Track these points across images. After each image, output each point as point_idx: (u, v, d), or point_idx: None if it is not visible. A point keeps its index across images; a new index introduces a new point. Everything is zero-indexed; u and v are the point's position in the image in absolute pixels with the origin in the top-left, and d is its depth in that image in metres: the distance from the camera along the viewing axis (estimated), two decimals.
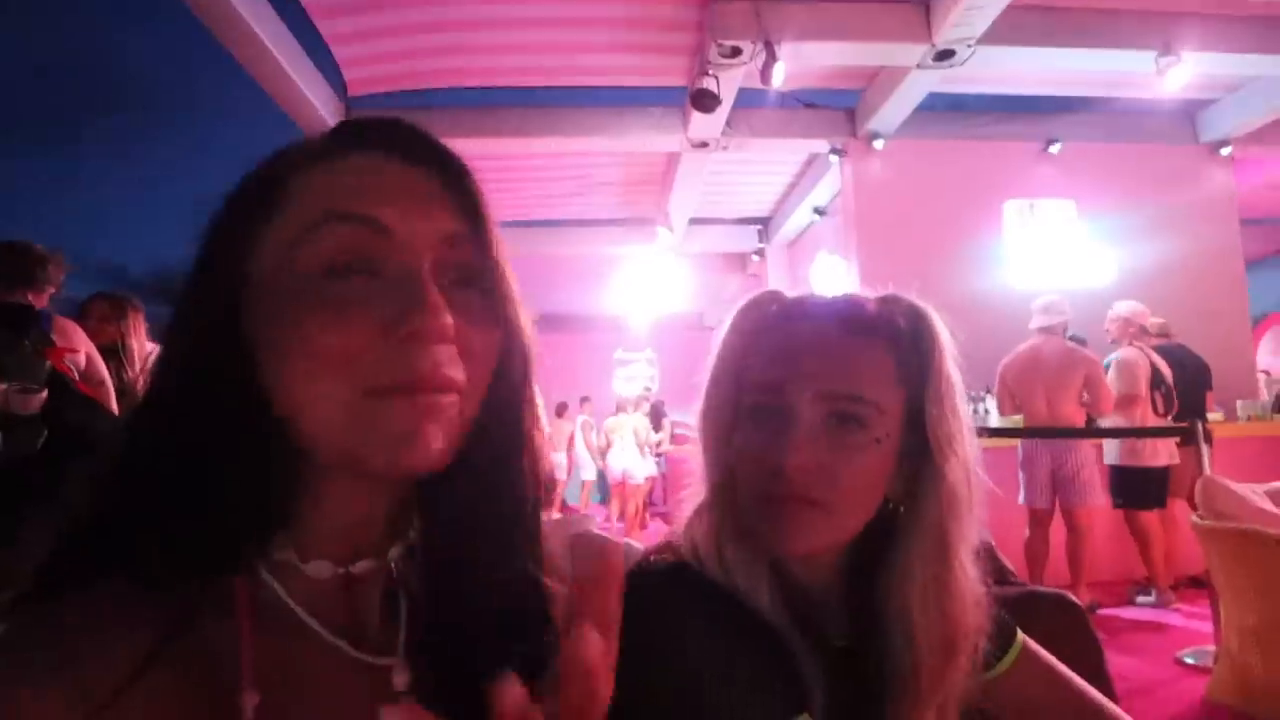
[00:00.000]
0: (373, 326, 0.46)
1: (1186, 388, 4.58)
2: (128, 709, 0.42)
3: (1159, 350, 4.62)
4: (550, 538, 0.87)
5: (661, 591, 0.72)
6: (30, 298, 2.76)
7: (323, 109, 5.49)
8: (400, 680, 0.53)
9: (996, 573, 0.80)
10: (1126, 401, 4.26)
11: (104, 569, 0.46)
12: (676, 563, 0.74)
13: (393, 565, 0.56)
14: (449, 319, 0.47)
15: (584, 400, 9.52)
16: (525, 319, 0.57)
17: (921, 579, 0.71)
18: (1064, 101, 6.50)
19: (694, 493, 0.79)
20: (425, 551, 0.56)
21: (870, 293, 0.77)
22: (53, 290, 2.84)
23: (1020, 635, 0.82)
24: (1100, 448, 4.39)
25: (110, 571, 0.46)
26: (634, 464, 7.93)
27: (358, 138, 0.53)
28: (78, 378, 2.79)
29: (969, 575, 0.73)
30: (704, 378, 0.79)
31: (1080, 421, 4.34)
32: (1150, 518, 4.28)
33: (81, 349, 2.87)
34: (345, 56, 5.36)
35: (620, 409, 8.30)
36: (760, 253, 9.58)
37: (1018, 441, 4.33)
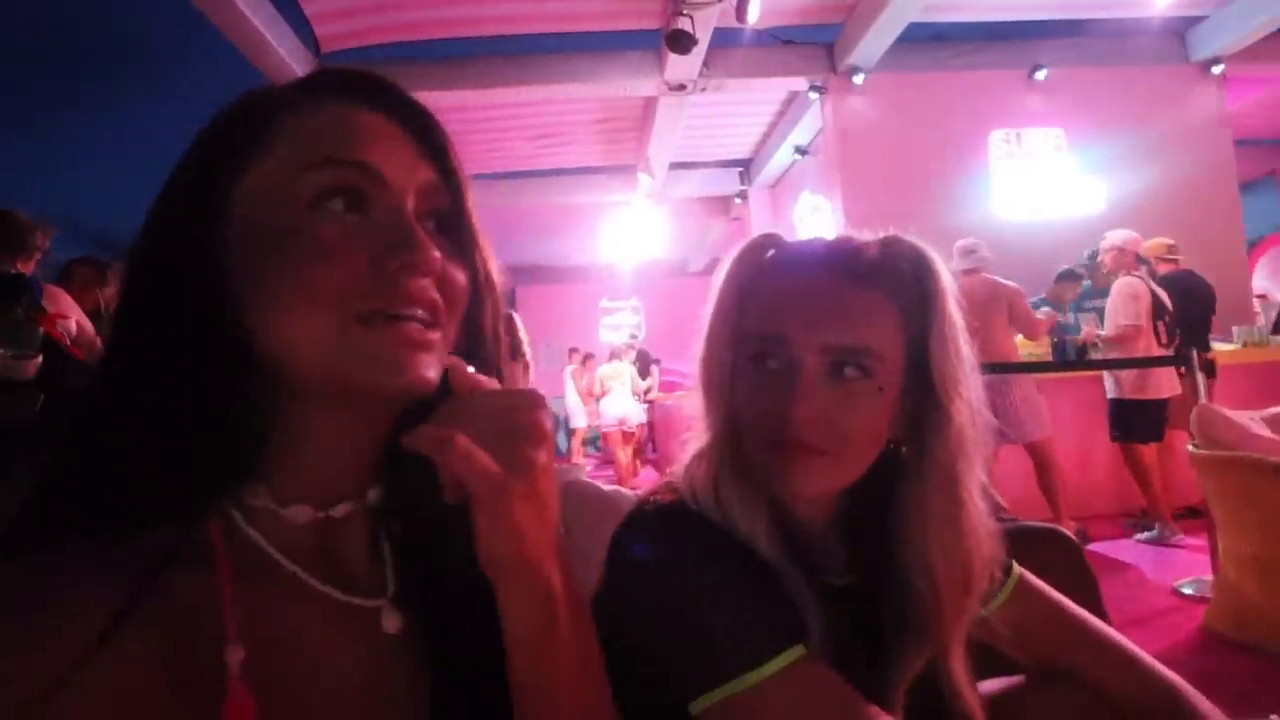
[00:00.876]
0: (362, 260, 0.48)
1: (1194, 317, 4.46)
2: (97, 671, 0.40)
3: (1168, 278, 4.51)
4: None
5: (659, 523, 0.74)
6: (19, 266, 2.82)
7: (298, 69, 5.32)
8: (390, 623, 0.54)
9: (991, 509, 0.80)
10: (1129, 333, 4.18)
11: (68, 526, 0.45)
12: (675, 500, 0.76)
13: (373, 508, 0.57)
14: (437, 253, 0.49)
15: (572, 350, 9.52)
16: (493, 263, 0.59)
17: (935, 518, 0.72)
18: (1049, 26, 6.32)
19: (694, 435, 0.79)
20: (406, 492, 0.56)
21: (869, 235, 0.76)
22: (39, 257, 2.89)
23: (1016, 568, 0.84)
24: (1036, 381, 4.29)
25: (75, 528, 0.45)
26: (631, 410, 7.99)
27: (332, 87, 0.54)
28: (70, 343, 2.86)
29: (980, 510, 0.74)
30: (702, 323, 0.79)
31: (1014, 354, 4.31)
32: (1148, 450, 4.25)
33: (72, 315, 2.96)
34: (316, 12, 5.21)
35: (614, 356, 8.31)
36: (743, 195, 9.44)
37: None
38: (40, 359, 2.69)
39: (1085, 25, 6.30)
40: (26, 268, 2.84)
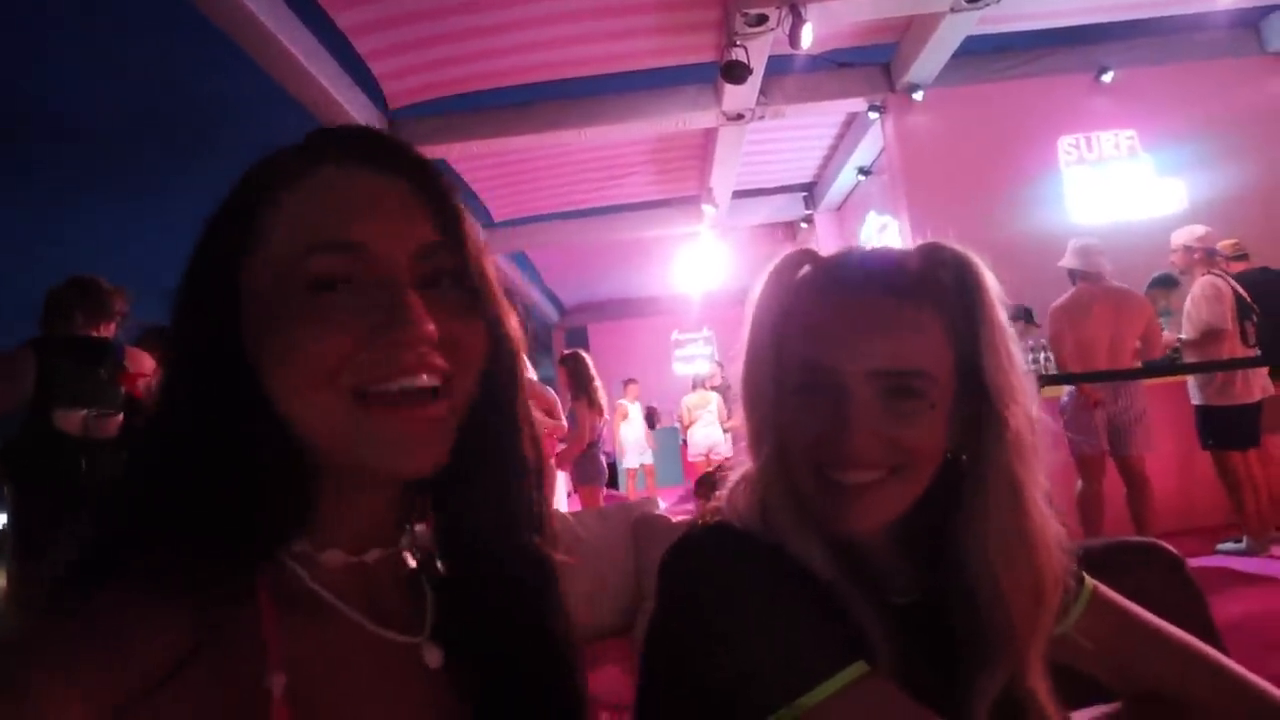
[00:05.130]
0: (355, 334, 0.49)
1: (1277, 315, 4.22)
2: (161, 701, 0.43)
3: (1241, 277, 4.30)
4: (612, 519, 0.92)
5: (709, 545, 0.72)
6: (101, 330, 3.02)
7: (364, 122, 5.61)
8: (432, 658, 0.56)
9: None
10: (1213, 336, 3.98)
11: (131, 569, 0.47)
12: (723, 523, 0.74)
13: (411, 553, 0.60)
14: (430, 325, 0.50)
15: (628, 383, 9.07)
16: (509, 314, 0.60)
17: (1000, 530, 0.69)
18: (1112, 28, 6.15)
19: (736, 462, 0.78)
20: (441, 538, 0.60)
21: (909, 245, 0.74)
22: (120, 320, 3.08)
23: (1089, 581, 0.78)
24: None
25: (139, 569, 0.47)
26: (719, 440, 7.88)
27: (328, 150, 0.55)
28: (150, 401, 3.02)
29: (1046, 518, 0.71)
30: (741, 348, 0.77)
31: (1135, 364, 4.10)
32: (1242, 458, 4.02)
33: (152, 375, 3.05)
34: (383, 71, 5.51)
35: (697, 385, 8.27)
36: (809, 219, 9.44)
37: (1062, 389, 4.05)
38: (122, 417, 2.87)
39: (1152, 24, 6.13)
40: (108, 331, 3.03)
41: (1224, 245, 4.46)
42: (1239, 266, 4.44)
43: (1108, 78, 6.29)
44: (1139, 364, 4.15)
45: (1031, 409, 0.70)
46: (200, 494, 0.49)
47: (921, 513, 0.72)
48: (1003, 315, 0.70)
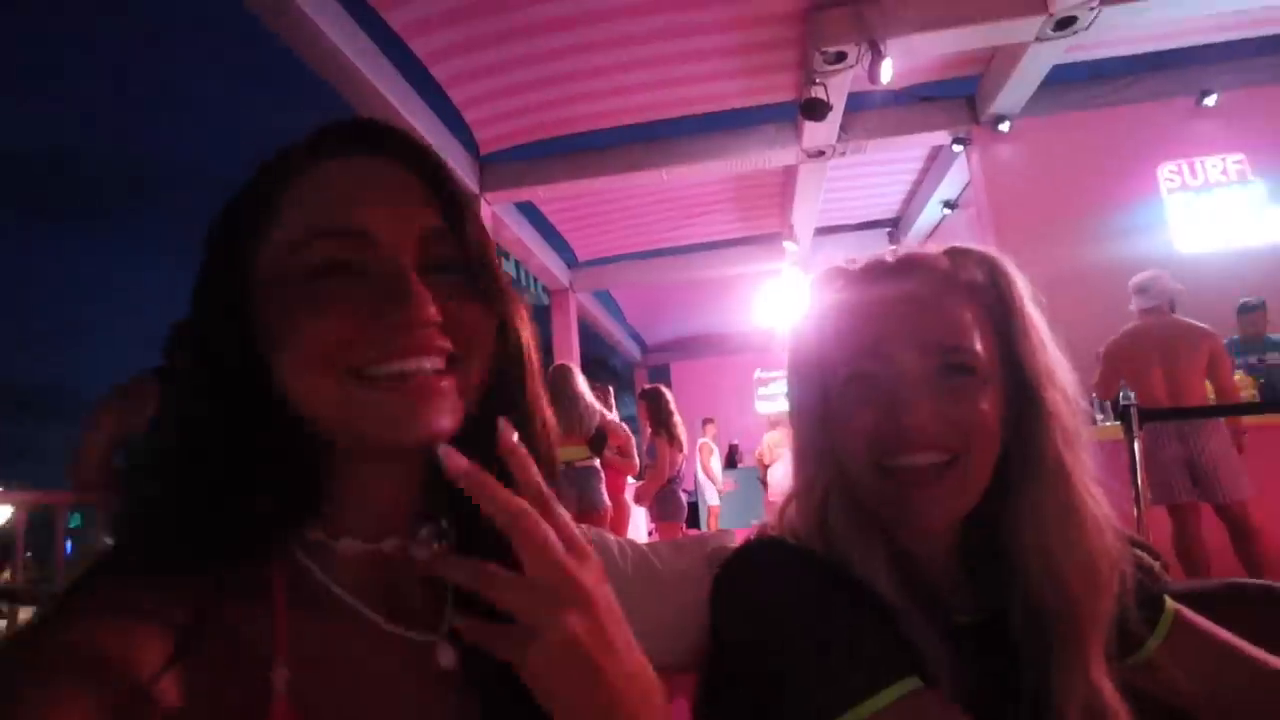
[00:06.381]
0: (356, 317, 0.49)
1: None
2: (166, 690, 0.43)
3: None
4: (688, 551, 0.90)
5: (763, 559, 0.73)
6: None
7: (462, 171, 5.94)
8: (446, 658, 0.54)
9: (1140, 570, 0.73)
10: None
11: (140, 560, 0.48)
12: (775, 538, 0.75)
13: (431, 543, 0.57)
14: (432, 308, 0.50)
15: (706, 422, 9.10)
16: (516, 301, 0.59)
17: (1051, 512, 0.69)
18: (1212, 50, 5.89)
19: (780, 490, 0.79)
20: (458, 530, 0.58)
21: (934, 248, 0.77)
22: None
23: (1170, 603, 0.75)
24: (1232, 430, 3.78)
25: (146, 560, 0.47)
26: None
27: (336, 144, 0.55)
28: None
29: (1098, 501, 0.71)
30: (786, 373, 0.79)
31: (1207, 402, 3.82)
32: None
33: None
34: (476, 118, 5.79)
35: (775, 425, 8.19)
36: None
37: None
38: None
39: (1258, 44, 5.83)
40: None
41: None
42: None
43: (1210, 101, 6.00)
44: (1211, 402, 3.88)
45: (1069, 392, 0.72)
46: (211, 481, 0.49)
47: (982, 524, 0.72)
48: (1034, 309, 0.73)
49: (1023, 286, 0.74)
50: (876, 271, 0.76)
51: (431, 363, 0.51)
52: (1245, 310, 4.82)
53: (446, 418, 0.51)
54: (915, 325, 0.69)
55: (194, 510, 0.48)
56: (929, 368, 0.68)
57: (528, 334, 0.60)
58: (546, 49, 5.07)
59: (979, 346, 0.69)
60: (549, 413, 0.61)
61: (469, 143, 6.09)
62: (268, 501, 0.50)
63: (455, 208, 0.55)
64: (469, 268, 0.55)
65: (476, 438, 0.51)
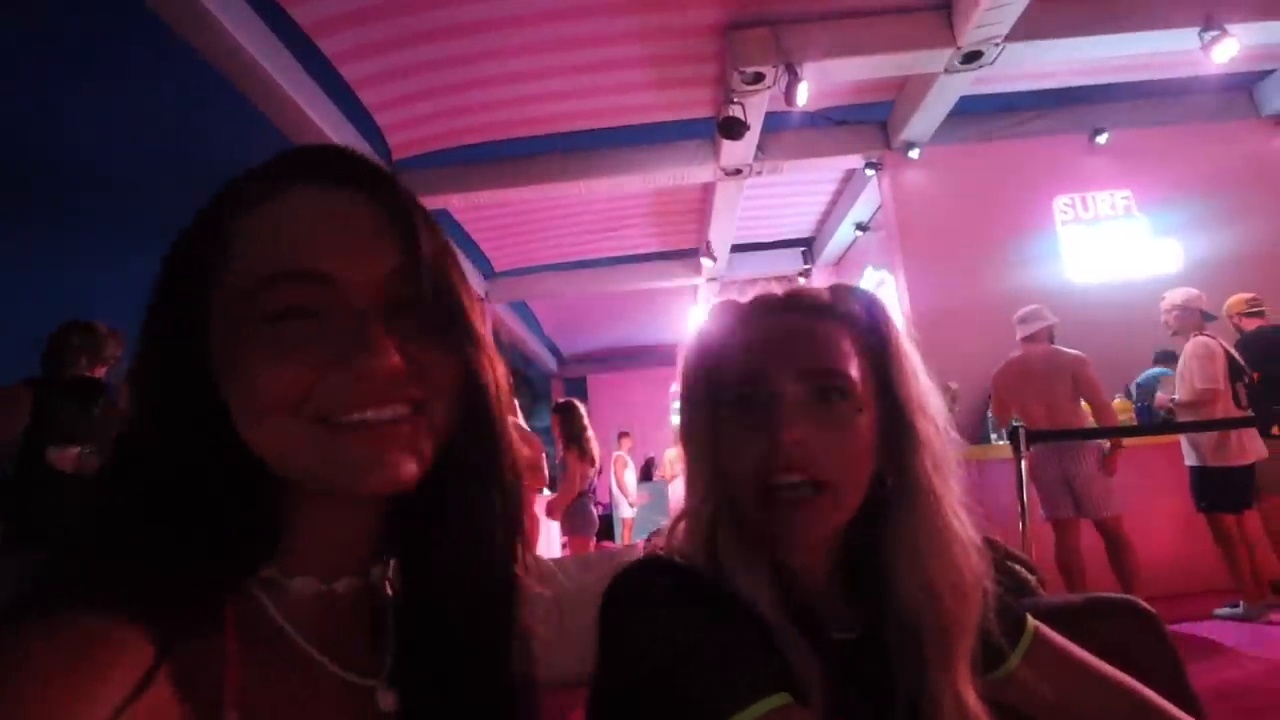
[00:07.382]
0: (311, 371, 0.48)
1: None
2: None
3: (1257, 334, 4.28)
4: (596, 567, 0.89)
5: (638, 576, 0.74)
6: (96, 371, 3.17)
7: None
8: (386, 701, 0.54)
9: (1008, 578, 0.75)
10: (1205, 397, 3.96)
11: (94, 593, 0.45)
12: (660, 557, 0.76)
13: (384, 584, 0.58)
14: (396, 358, 0.49)
15: (622, 435, 9.21)
16: (484, 338, 0.57)
17: (923, 533, 0.73)
18: (1108, 90, 6.26)
19: (675, 508, 0.79)
20: (407, 571, 0.58)
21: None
22: (113, 364, 3.23)
23: (1031, 622, 0.81)
24: (1103, 449, 4.07)
25: (101, 594, 0.44)
26: None
27: (297, 170, 0.53)
28: None
29: (965, 523, 0.75)
30: (676, 396, 0.79)
31: (1083, 424, 4.13)
32: (1235, 521, 3.99)
33: None
34: (387, 122, 5.59)
35: (677, 440, 8.21)
36: (806, 274, 9.47)
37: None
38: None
39: (1146, 86, 6.22)
40: (101, 372, 3.17)
41: (1236, 302, 4.45)
42: (1253, 323, 4.39)
43: (1103, 139, 6.36)
44: (1090, 424, 4.16)
45: (940, 422, 0.76)
46: (165, 516, 0.48)
47: (858, 543, 0.76)
48: (909, 344, 0.77)
49: (900, 324, 0.78)
50: (764, 305, 0.79)
51: (395, 411, 0.50)
52: (1161, 359, 5.13)
53: (412, 464, 0.50)
54: (795, 353, 0.73)
55: (159, 545, 0.47)
56: (804, 390, 0.72)
57: (498, 371, 0.58)
58: (459, 53, 4.92)
59: (855, 374, 0.73)
60: (518, 444, 0.60)
61: (381, 147, 5.87)
62: (231, 540, 0.49)
63: (423, 244, 0.52)
64: (436, 306, 0.53)
65: (439, 472, 0.52)
